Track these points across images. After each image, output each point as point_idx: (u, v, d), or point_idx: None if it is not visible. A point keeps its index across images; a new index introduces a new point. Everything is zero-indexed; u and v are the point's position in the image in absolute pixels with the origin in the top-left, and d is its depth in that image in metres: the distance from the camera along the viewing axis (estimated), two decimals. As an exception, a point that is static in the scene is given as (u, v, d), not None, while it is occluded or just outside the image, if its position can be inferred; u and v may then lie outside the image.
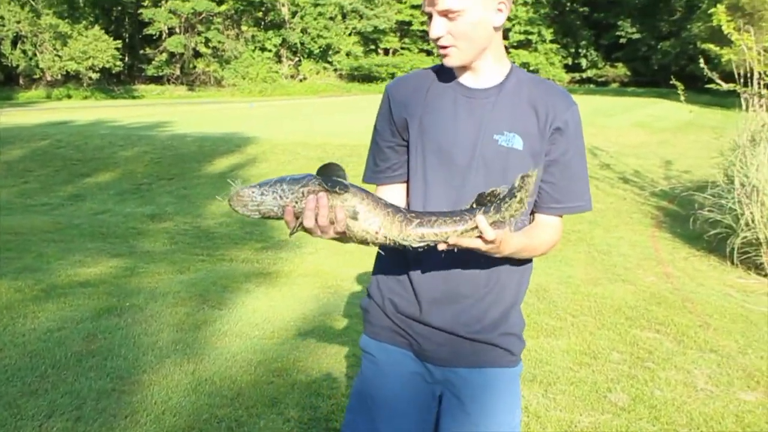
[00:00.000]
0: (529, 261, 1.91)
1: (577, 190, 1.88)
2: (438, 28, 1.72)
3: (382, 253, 1.84)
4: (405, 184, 1.93)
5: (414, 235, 1.62)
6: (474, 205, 1.64)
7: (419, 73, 1.94)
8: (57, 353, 4.15)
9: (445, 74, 1.87)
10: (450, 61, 1.78)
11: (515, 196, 1.58)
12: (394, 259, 1.89)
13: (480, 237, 1.61)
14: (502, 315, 1.88)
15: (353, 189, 1.62)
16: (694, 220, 7.16)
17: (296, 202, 1.60)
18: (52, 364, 4.00)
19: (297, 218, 1.61)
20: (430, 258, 1.78)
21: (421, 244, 1.63)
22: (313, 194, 1.59)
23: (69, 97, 43.94)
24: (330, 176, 1.60)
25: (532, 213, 1.91)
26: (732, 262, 6.52)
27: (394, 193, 1.91)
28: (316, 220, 1.60)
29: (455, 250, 1.64)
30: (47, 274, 5.79)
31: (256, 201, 1.61)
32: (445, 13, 1.70)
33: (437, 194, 1.82)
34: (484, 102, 1.82)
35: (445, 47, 1.75)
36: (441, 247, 1.63)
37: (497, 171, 1.79)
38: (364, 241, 1.66)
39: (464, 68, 1.83)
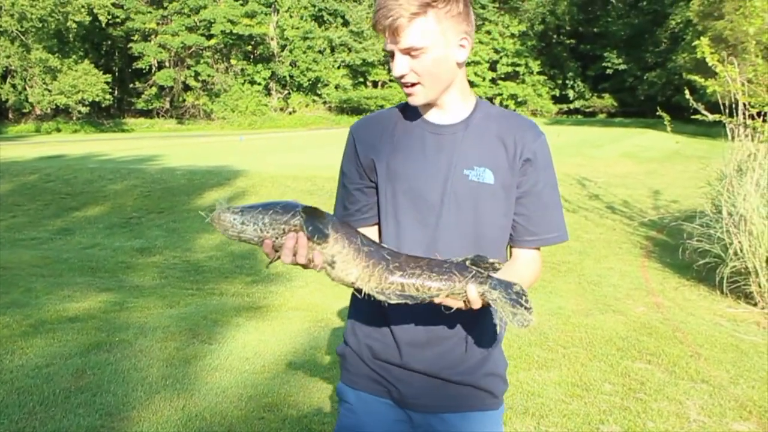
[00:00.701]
0: None
1: (552, 220, 1.86)
2: (401, 65, 1.71)
3: (358, 296, 1.79)
4: (376, 227, 1.89)
5: (394, 287, 1.59)
6: (467, 263, 1.61)
7: (383, 113, 1.93)
8: (45, 390, 4.11)
9: (411, 112, 1.86)
10: (415, 100, 1.76)
11: (515, 304, 1.56)
12: (371, 302, 1.81)
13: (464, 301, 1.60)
14: (484, 355, 1.85)
15: (336, 235, 1.59)
16: (683, 249, 7.19)
17: (276, 238, 1.58)
18: (40, 401, 3.96)
19: (276, 251, 1.60)
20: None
21: (400, 301, 1.60)
22: (293, 233, 1.57)
23: (58, 130, 44.00)
24: (314, 220, 1.57)
25: (509, 246, 1.89)
26: (722, 292, 6.53)
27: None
28: (294, 256, 1.59)
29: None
30: (35, 309, 5.75)
31: (237, 228, 1.58)
32: (407, 51, 1.69)
33: (411, 235, 1.80)
34: (452, 138, 1.81)
35: (409, 85, 1.74)
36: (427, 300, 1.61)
37: (469, 207, 1.78)
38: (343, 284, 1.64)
39: (430, 105, 1.82)
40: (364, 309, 1.87)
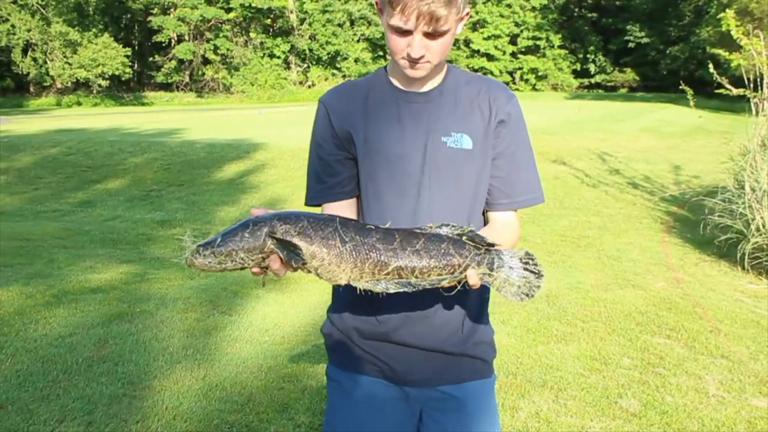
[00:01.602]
0: None
1: (527, 181, 1.83)
2: (421, 47, 1.64)
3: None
4: (355, 200, 1.84)
5: (390, 278, 1.53)
6: (464, 238, 1.56)
7: (354, 82, 1.87)
8: (68, 359, 4.17)
9: (380, 81, 1.83)
10: (419, 74, 1.71)
11: (519, 275, 1.55)
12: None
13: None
14: (472, 324, 1.84)
15: (311, 249, 1.50)
16: (705, 225, 7.14)
17: (259, 263, 1.52)
18: (63, 370, 4.02)
19: (264, 270, 1.55)
20: None
21: (400, 290, 1.53)
22: (274, 254, 1.51)
23: (79, 104, 44.26)
24: (285, 246, 1.50)
25: (485, 212, 1.85)
26: (743, 268, 6.49)
27: (344, 211, 1.79)
28: (286, 270, 1.54)
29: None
30: (58, 280, 5.81)
31: (217, 268, 1.52)
32: (432, 35, 1.63)
33: (393, 206, 1.76)
34: (427, 105, 1.78)
35: (420, 62, 1.68)
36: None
37: (450, 175, 1.75)
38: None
39: (400, 73, 1.77)
40: (348, 288, 1.75)
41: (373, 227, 1.56)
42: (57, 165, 13.10)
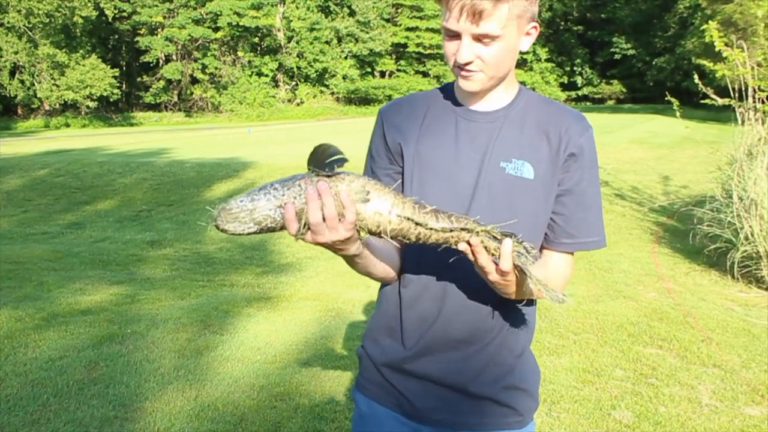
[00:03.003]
0: (534, 301, 1.72)
1: (592, 223, 1.69)
2: (468, 52, 1.52)
3: (382, 294, 1.70)
4: None
5: (429, 214, 1.45)
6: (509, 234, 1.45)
7: (416, 95, 1.77)
8: (59, 382, 4.14)
9: (445, 96, 1.71)
10: (471, 86, 1.58)
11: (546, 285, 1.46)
12: (391, 299, 1.72)
13: (495, 264, 1.44)
14: (509, 365, 1.69)
15: (356, 174, 1.44)
16: (694, 234, 7.16)
17: (295, 198, 1.38)
18: (54, 393, 3.99)
19: (300, 219, 1.38)
20: (426, 295, 1.65)
21: (438, 225, 1.44)
22: (312, 185, 1.38)
23: (67, 126, 44.21)
24: (323, 161, 1.39)
25: (541, 249, 1.72)
26: (733, 276, 6.51)
27: None
28: (322, 214, 1.38)
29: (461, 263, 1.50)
30: (48, 303, 5.78)
31: (247, 208, 1.37)
32: (480, 37, 1.50)
33: None
34: (490, 126, 1.64)
35: (470, 71, 1.55)
36: (462, 246, 1.44)
37: (504, 202, 1.61)
38: (377, 231, 1.45)
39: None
40: (384, 308, 1.75)
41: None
42: (46, 187, 13.06)
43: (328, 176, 1.39)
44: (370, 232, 1.47)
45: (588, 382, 4.23)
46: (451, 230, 1.45)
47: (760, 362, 4.56)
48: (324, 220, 1.38)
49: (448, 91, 1.72)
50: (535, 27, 1.59)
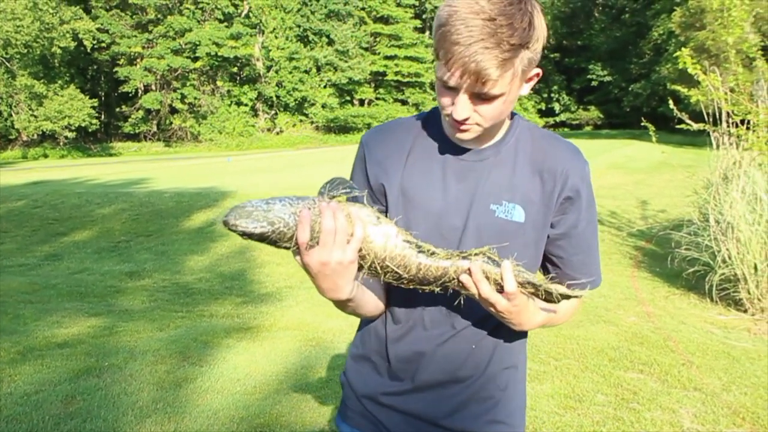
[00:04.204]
0: (525, 334, 1.69)
1: (591, 264, 1.65)
2: (465, 110, 1.42)
3: (364, 323, 1.66)
4: None
5: (430, 245, 1.42)
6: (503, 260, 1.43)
7: (401, 122, 1.67)
8: (34, 417, 4.07)
9: (432, 126, 1.62)
10: (466, 136, 1.49)
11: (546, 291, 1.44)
12: (376, 332, 1.67)
13: (500, 291, 1.40)
14: (492, 400, 1.65)
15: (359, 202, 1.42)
16: (672, 258, 7.20)
17: (309, 208, 1.35)
18: (29, 429, 3.91)
19: (312, 228, 1.34)
20: (414, 333, 1.60)
21: (442, 254, 1.41)
22: (325, 201, 1.36)
23: (45, 156, 43.92)
24: (336, 188, 1.39)
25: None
26: (711, 299, 6.55)
27: None
28: (335, 224, 1.33)
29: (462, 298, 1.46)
30: (24, 336, 5.70)
31: (263, 208, 1.33)
32: (479, 95, 1.40)
33: None
34: (480, 165, 1.56)
35: (466, 125, 1.46)
36: (464, 278, 1.40)
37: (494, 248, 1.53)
38: (382, 257, 1.40)
39: None
40: (366, 342, 1.71)
41: None
42: (23, 218, 12.93)
43: (347, 191, 1.39)
44: (373, 264, 1.41)
45: (570, 408, 4.22)
46: (450, 257, 1.41)
47: (740, 385, 4.57)
48: (335, 232, 1.33)
49: (435, 121, 1.63)
50: (538, 74, 1.49)
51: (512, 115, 1.62)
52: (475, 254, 1.42)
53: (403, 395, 1.64)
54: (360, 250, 1.39)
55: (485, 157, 1.56)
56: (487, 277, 1.41)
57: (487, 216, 1.53)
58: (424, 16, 59.23)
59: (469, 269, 1.40)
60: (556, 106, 55.28)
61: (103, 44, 47.73)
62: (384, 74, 54.66)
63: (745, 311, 6.25)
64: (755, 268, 6.17)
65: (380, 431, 1.68)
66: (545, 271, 1.66)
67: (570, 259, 1.62)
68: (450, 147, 1.58)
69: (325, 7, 53.50)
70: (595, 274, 1.66)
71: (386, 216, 1.57)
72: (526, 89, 1.50)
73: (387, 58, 54.87)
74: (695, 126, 7.29)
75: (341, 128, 53.36)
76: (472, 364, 1.61)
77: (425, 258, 1.41)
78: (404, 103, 55.39)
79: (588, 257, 1.64)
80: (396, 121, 1.68)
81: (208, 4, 48.79)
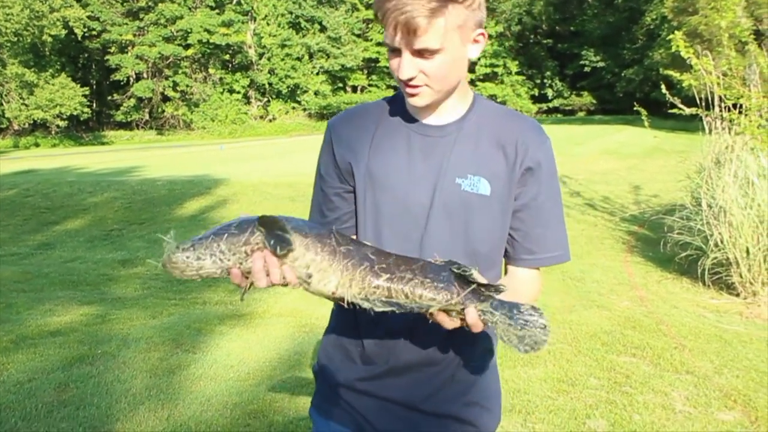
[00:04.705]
0: None
1: (552, 238, 1.65)
2: (409, 68, 1.46)
3: (343, 305, 1.60)
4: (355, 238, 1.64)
5: (379, 293, 1.37)
6: (460, 272, 1.38)
7: (366, 107, 1.70)
8: (27, 405, 4.06)
9: (397, 108, 1.65)
10: (419, 101, 1.53)
11: (523, 326, 1.38)
12: (347, 318, 1.65)
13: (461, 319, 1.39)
14: (468, 382, 1.65)
15: (305, 241, 1.38)
16: (665, 243, 7.22)
17: (240, 263, 1.37)
18: (22, 417, 3.91)
19: (246, 278, 1.39)
20: (386, 319, 1.53)
21: (387, 309, 1.38)
22: (258, 251, 1.36)
23: (37, 145, 43.74)
24: (274, 232, 1.35)
25: (505, 263, 1.69)
26: (704, 283, 6.56)
27: None
28: (269, 277, 1.38)
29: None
30: (16, 325, 5.68)
31: (193, 267, 1.37)
32: (420, 53, 1.44)
33: (394, 250, 1.53)
34: (443, 141, 1.58)
35: (415, 86, 1.50)
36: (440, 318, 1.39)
37: (460, 220, 1.56)
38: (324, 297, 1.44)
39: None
40: (341, 326, 1.71)
41: (367, 244, 1.45)
42: (15, 207, 12.88)
43: (273, 251, 1.36)
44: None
45: (562, 391, 4.23)
46: (401, 307, 1.38)
47: (732, 368, 4.59)
48: (270, 284, 1.39)
49: (399, 103, 1.65)
50: (483, 34, 1.52)
51: (474, 95, 1.65)
52: (435, 309, 1.38)
53: (378, 379, 1.63)
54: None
55: (448, 133, 1.59)
56: (447, 312, 1.39)
57: (453, 190, 1.55)
58: (416, 3, 58.92)
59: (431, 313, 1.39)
60: (549, 92, 55.16)
61: (94, 32, 47.48)
62: (377, 61, 54.43)
63: (738, 295, 6.27)
64: (747, 251, 6.19)
65: (357, 421, 1.67)
66: (510, 246, 1.65)
67: (529, 232, 1.62)
68: (414, 126, 1.61)
69: (317, -7, 53.33)
70: (558, 249, 1.66)
71: (354, 196, 1.63)
72: (474, 52, 1.53)
73: (380, 44, 54.50)
74: (688, 111, 7.29)
75: (334, 115, 53.20)
76: (447, 345, 1.61)
77: (364, 297, 1.39)
78: (397, 89, 55.27)
79: (548, 231, 1.64)
80: (362, 105, 1.72)
81: (200, -10, 48.59)
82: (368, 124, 1.65)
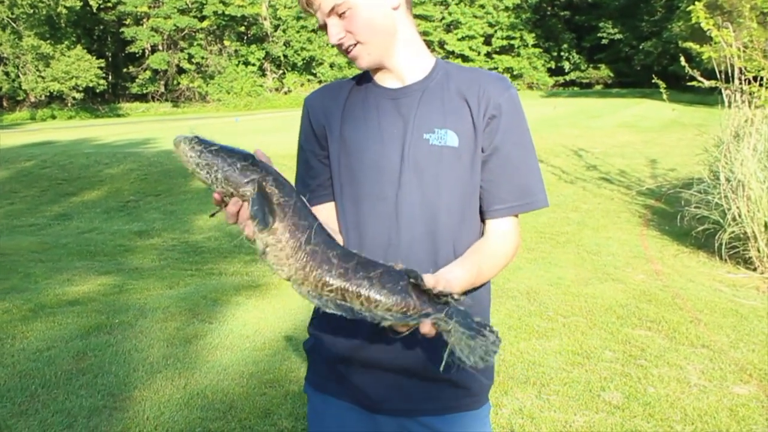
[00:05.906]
0: (488, 290, 1.70)
1: (524, 184, 1.63)
2: (334, 32, 1.54)
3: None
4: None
5: (333, 295, 1.37)
6: (417, 282, 1.34)
7: (339, 82, 1.76)
8: (47, 372, 4.12)
9: (365, 80, 1.70)
10: (362, 62, 1.60)
11: (475, 335, 1.32)
12: None
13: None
14: None
15: (279, 225, 1.37)
16: (682, 217, 7.18)
17: (225, 196, 1.39)
18: (42, 384, 3.96)
19: (222, 203, 1.41)
20: None
21: (338, 312, 1.37)
22: (239, 199, 1.38)
23: (53, 117, 43.91)
24: (262, 202, 1.36)
25: (482, 220, 1.66)
26: (721, 258, 6.53)
27: (328, 213, 1.69)
28: (236, 223, 1.40)
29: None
30: (35, 294, 5.75)
31: (191, 164, 1.40)
32: (334, 13, 1.53)
33: (370, 210, 1.61)
34: (409, 100, 1.62)
35: (349, 49, 1.57)
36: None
37: (431, 174, 1.58)
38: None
39: (383, 70, 1.65)
40: None
41: (339, 246, 1.42)
42: (32, 179, 12.98)
43: (251, 217, 1.38)
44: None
45: (577, 364, 4.24)
46: (355, 313, 1.37)
47: (748, 342, 4.58)
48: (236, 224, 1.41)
49: (367, 75, 1.70)
50: None
51: (436, 59, 1.69)
52: (387, 324, 1.36)
53: (368, 347, 1.63)
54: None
55: (413, 92, 1.63)
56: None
57: (421, 145, 1.59)
58: (432, -26, 58.49)
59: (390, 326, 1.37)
60: (566, 65, 54.58)
61: (109, 4, 47.43)
62: (392, 33, 54.16)
63: (755, 269, 6.24)
64: (765, 226, 6.15)
65: (352, 392, 1.68)
66: (482, 199, 1.64)
67: (499, 180, 1.62)
68: (382, 91, 1.66)
69: (333, -36, 52.84)
70: (531, 195, 1.64)
71: (327, 166, 1.70)
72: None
73: (395, 16, 54.33)
74: (707, 83, 7.22)
75: (350, 88, 53.11)
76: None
77: (315, 296, 1.39)
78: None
79: (518, 178, 1.62)
80: (336, 81, 1.79)
81: (215, -38, 48.29)
82: (340, 94, 1.72)
